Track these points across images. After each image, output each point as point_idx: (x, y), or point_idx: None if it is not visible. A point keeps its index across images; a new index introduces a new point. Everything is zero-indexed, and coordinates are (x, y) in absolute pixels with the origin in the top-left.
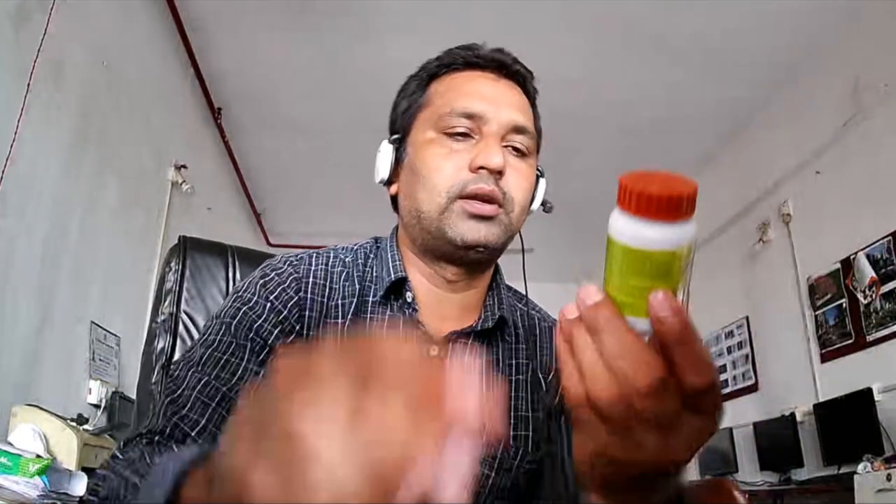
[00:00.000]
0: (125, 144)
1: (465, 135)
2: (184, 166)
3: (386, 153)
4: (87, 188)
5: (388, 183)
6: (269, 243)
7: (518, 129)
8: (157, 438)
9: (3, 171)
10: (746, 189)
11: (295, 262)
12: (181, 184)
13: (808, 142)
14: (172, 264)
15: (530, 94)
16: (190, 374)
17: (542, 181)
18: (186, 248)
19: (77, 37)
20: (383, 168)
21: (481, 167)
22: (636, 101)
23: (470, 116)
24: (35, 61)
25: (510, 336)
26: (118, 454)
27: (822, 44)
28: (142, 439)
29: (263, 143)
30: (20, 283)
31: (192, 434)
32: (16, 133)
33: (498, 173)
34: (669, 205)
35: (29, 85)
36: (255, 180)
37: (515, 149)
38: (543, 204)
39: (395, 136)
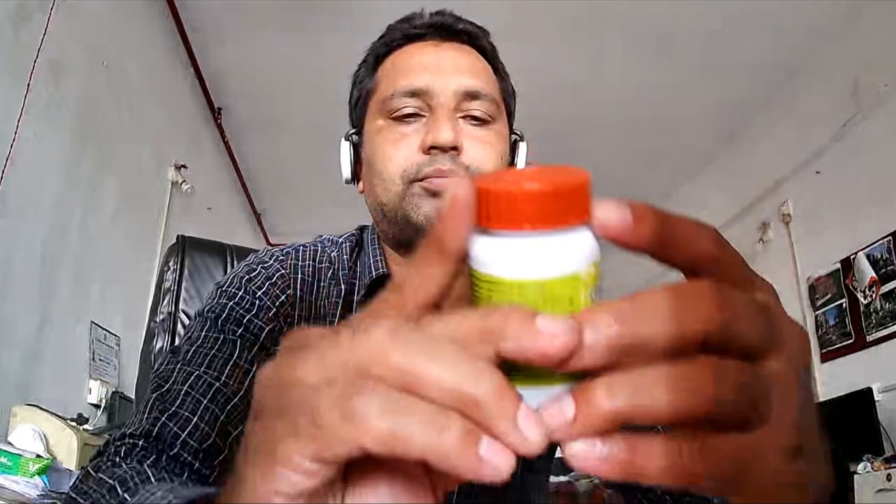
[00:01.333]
0: (125, 144)
1: (414, 115)
2: (184, 166)
3: (345, 151)
4: (87, 188)
5: (356, 181)
6: (269, 243)
7: (471, 95)
8: (142, 443)
9: (3, 171)
10: (746, 189)
11: (281, 258)
12: (181, 184)
13: (808, 142)
14: (171, 264)
15: (486, 52)
16: (178, 367)
17: (523, 146)
18: (185, 248)
19: (77, 37)
20: (345, 167)
21: (432, 146)
22: (636, 101)
23: (414, 94)
24: (35, 61)
25: None
26: (91, 471)
27: (822, 44)
28: (123, 445)
29: (263, 143)
30: (20, 283)
31: (183, 435)
32: (16, 133)
33: (453, 149)
34: (558, 202)
35: (29, 85)
36: (255, 180)
37: (474, 117)
38: None
39: (352, 131)
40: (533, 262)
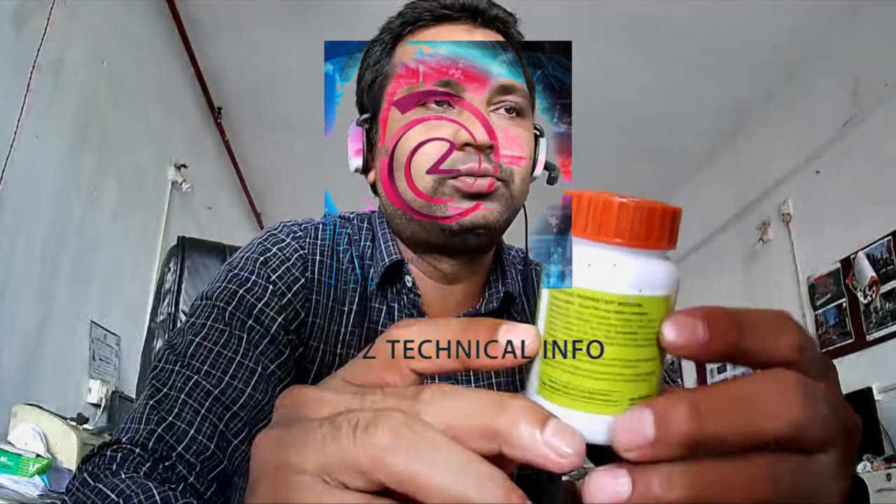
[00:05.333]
0: (125, 144)
1: (444, 104)
2: (184, 166)
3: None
4: (87, 188)
5: (365, 170)
6: None
7: (506, 88)
8: (139, 451)
9: (2, 171)
10: (746, 189)
11: (299, 234)
12: (181, 184)
13: (808, 142)
14: (171, 265)
15: (515, 41)
16: (176, 369)
17: (543, 142)
18: (185, 249)
19: (77, 37)
20: (356, 156)
21: (466, 143)
22: (636, 101)
23: (446, 83)
24: (35, 61)
25: (518, 312)
26: (88, 479)
27: (822, 44)
28: (120, 451)
29: (263, 143)
30: (20, 283)
31: (179, 448)
32: (16, 133)
33: (489, 147)
34: (669, 222)
35: (29, 85)
36: (255, 180)
37: (507, 110)
38: (549, 169)
39: (364, 116)
40: (656, 279)
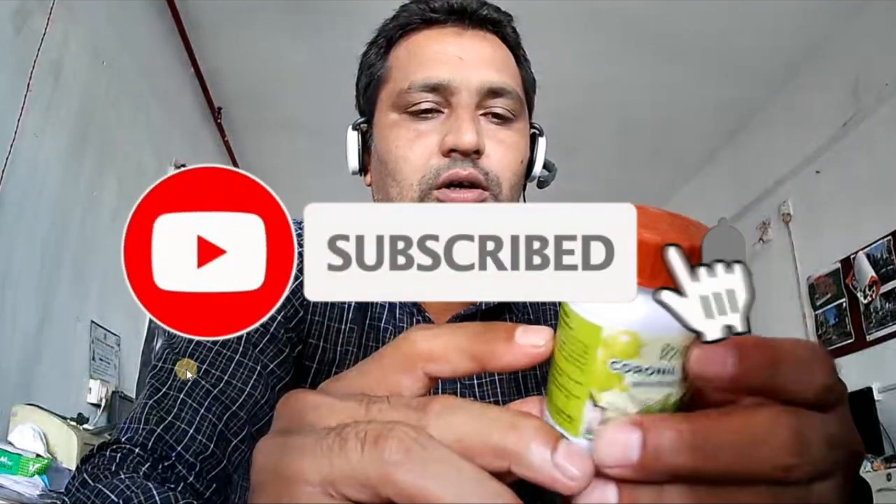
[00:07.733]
0: (125, 144)
1: (432, 111)
2: (184, 166)
3: (352, 141)
4: (87, 188)
5: (363, 172)
6: None
7: (495, 92)
8: (138, 451)
9: (3, 171)
10: (746, 189)
11: (298, 232)
12: None
13: (808, 142)
14: None
15: (509, 40)
16: (176, 368)
17: (542, 140)
18: None
19: (77, 37)
20: (352, 158)
21: (452, 149)
22: (636, 101)
23: (433, 89)
24: (35, 61)
25: (519, 309)
26: (88, 479)
27: (822, 44)
28: (119, 451)
29: (263, 143)
30: (20, 282)
31: (179, 448)
32: (16, 133)
33: (475, 153)
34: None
35: (29, 85)
36: None
37: (496, 115)
38: (548, 168)
39: (361, 120)
40: (601, 305)
